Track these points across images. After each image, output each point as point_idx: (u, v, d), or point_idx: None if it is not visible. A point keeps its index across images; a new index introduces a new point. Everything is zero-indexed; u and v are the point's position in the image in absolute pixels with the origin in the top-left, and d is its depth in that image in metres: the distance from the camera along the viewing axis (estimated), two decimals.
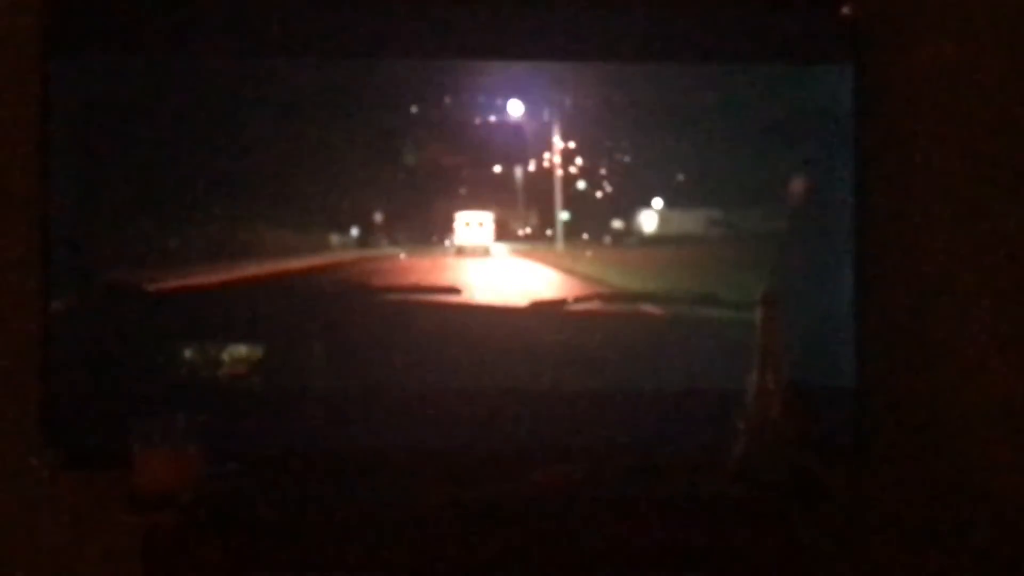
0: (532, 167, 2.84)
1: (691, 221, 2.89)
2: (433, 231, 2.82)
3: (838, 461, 2.69)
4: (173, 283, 2.73)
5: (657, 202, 2.87)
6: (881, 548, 2.85)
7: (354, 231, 2.81)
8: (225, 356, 2.74)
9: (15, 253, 2.72)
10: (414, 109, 2.79)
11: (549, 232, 2.86)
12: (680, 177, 2.86)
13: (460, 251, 2.82)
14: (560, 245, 2.85)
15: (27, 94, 2.70)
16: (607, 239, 2.86)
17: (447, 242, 2.82)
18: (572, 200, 2.85)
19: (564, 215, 2.86)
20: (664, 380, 2.79)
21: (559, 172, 2.83)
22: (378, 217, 2.81)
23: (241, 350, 2.75)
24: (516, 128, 2.82)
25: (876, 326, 2.82)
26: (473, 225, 2.83)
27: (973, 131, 2.90)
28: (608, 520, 2.52)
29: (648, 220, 2.88)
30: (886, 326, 2.85)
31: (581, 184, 2.84)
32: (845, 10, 2.78)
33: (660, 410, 2.76)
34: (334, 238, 2.81)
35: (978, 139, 2.91)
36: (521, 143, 2.82)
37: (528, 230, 2.86)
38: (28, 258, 2.69)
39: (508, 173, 2.84)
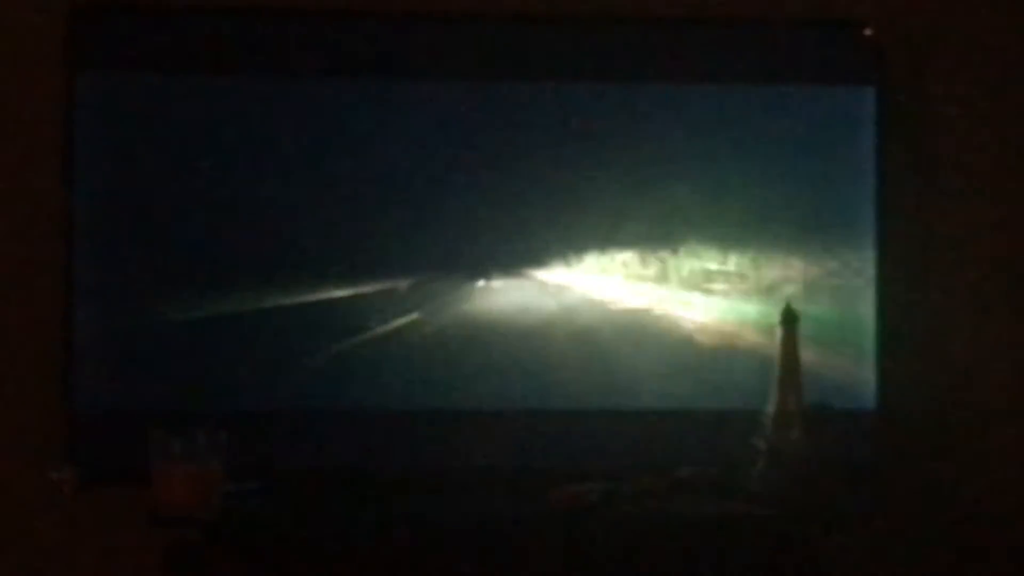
0: None
1: None
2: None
3: (857, 482, 2.68)
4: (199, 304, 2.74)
5: None
6: (900, 570, 2.85)
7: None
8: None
9: (40, 269, 2.73)
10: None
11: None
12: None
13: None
14: None
15: (52, 107, 2.71)
16: None
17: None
18: None
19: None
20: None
21: None
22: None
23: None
24: None
25: (896, 348, 2.81)
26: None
27: (995, 153, 2.90)
28: (625, 540, 2.52)
29: None
30: (907, 348, 2.84)
31: None
32: (867, 32, 2.78)
33: (679, 430, 2.75)
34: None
35: (1000, 162, 2.90)
36: None
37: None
38: (53, 274, 2.70)
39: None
